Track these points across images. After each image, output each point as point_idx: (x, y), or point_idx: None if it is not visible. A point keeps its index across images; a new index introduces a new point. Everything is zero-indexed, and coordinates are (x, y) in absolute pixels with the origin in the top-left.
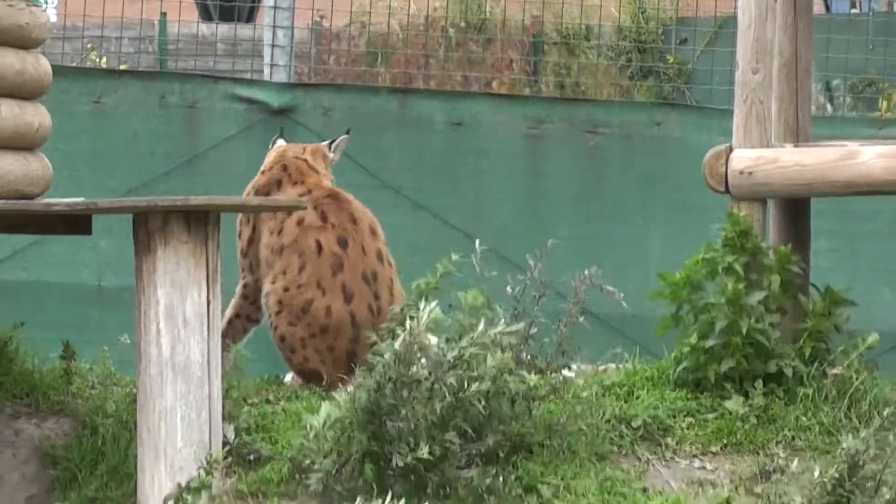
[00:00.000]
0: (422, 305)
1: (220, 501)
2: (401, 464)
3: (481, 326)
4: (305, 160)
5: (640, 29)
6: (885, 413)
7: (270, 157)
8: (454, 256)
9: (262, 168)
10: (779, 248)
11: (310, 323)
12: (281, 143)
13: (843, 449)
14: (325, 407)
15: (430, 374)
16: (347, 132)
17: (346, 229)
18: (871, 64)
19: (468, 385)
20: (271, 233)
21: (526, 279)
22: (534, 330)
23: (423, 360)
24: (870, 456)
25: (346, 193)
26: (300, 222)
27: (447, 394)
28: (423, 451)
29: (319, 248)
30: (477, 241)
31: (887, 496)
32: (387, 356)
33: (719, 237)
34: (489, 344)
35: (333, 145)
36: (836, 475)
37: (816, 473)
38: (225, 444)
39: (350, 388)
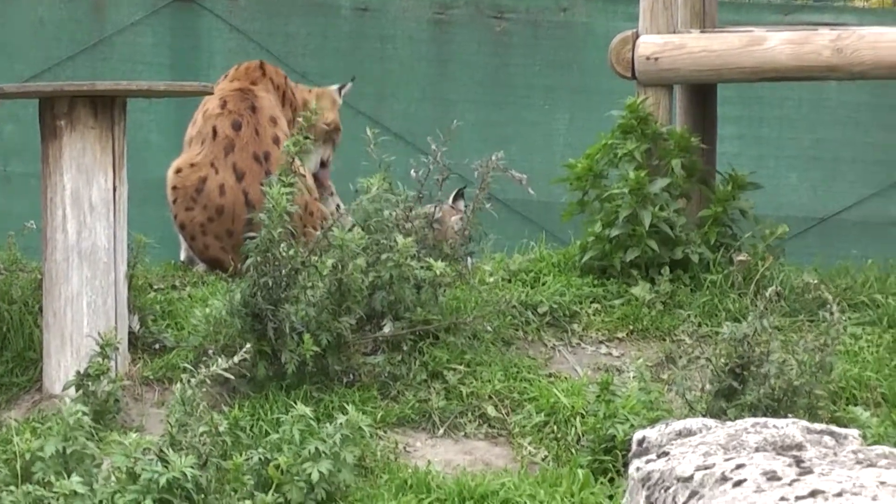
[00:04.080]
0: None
1: (123, 387)
2: (288, 360)
3: (386, 212)
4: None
5: None
6: (767, 294)
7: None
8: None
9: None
10: (676, 131)
11: (206, 205)
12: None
13: (727, 335)
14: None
15: (303, 262)
16: (353, 79)
17: (243, 115)
18: None
19: (348, 268)
20: (193, 125)
21: (430, 163)
22: (438, 214)
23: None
24: (757, 341)
25: (261, 92)
26: (204, 112)
27: (330, 279)
28: (309, 345)
29: (215, 132)
30: (367, 129)
31: (774, 381)
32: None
33: (618, 124)
34: (392, 229)
35: (343, 91)
36: (724, 361)
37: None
38: (130, 333)
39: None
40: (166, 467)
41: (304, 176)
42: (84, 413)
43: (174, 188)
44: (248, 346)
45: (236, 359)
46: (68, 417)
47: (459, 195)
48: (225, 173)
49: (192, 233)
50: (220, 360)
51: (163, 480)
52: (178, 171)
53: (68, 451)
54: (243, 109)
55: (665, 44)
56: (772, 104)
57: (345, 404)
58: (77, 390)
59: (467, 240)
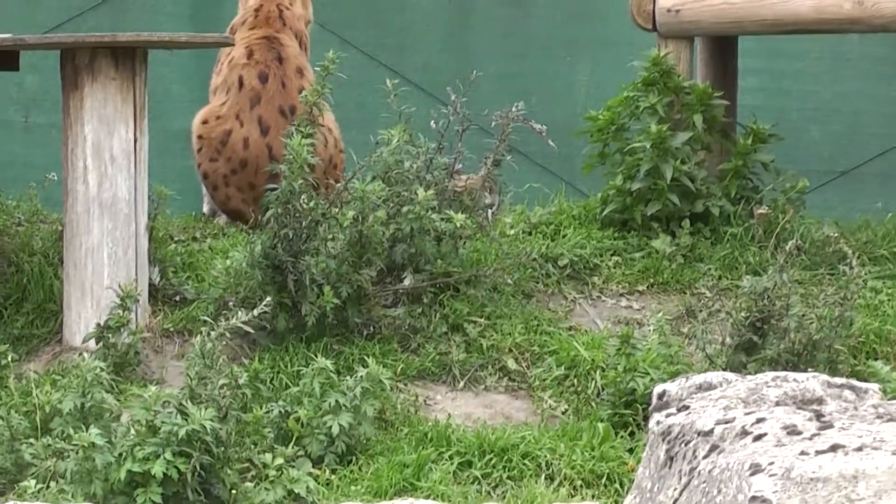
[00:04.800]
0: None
1: (143, 339)
2: (308, 313)
3: (406, 164)
4: (281, 7)
5: None
6: (787, 248)
7: None
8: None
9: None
10: (698, 85)
11: (230, 157)
12: None
13: (747, 288)
14: (221, 264)
15: (323, 214)
16: None
17: (269, 66)
18: None
19: (368, 220)
20: (217, 73)
21: (449, 113)
22: (459, 166)
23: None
24: (778, 294)
25: (287, 40)
26: (230, 61)
27: (350, 231)
28: (329, 297)
29: (241, 83)
30: (387, 80)
31: (794, 335)
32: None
33: (640, 77)
34: (413, 181)
35: None
36: (745, 315)
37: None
38: (150, 285)
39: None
40: (186, 420)
41: (329, 129)
42: (102, 369)
43: (199, 137)
44: (269, 298)
45: (256, 312)
46: (86, 373)
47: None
48: (250, 126)
49: (215, 183)
50: (240, 312)
51: (182, 433)
52: (205, 121)
53: (86, 406)
54: (270, 60)
55: None
56: (793, 57)
57: (365, 357)
58: (97, 342)
59: (488, 191)
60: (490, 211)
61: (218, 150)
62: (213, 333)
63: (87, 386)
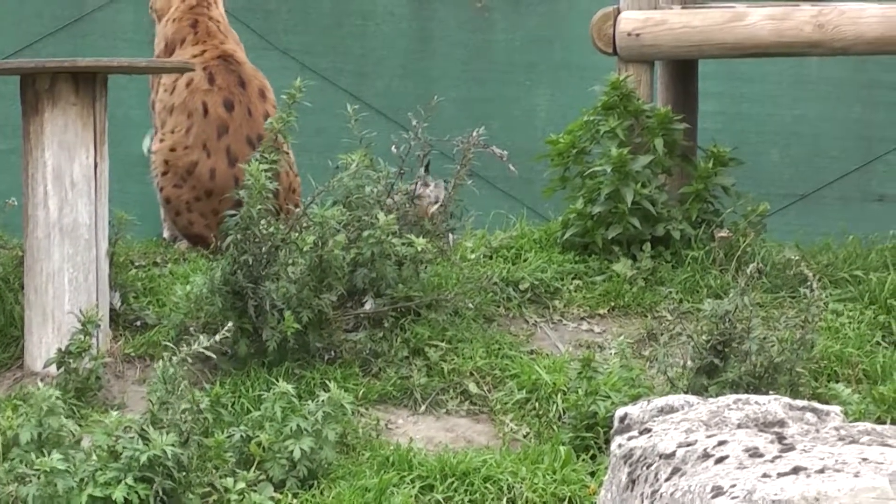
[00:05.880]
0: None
1: (104, 364)
2: (269, 338)
3: (367, 189)
4: (218, 21)
5: None
6: (748, 271)
7: (184, 2)
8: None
9: (172, 12)
10: (659, 109)
11: (195, 185)
12: None
13: (708, 311)
14: (182, 290)
15: (283, 239)
16: None
17: (234, 92)
18: None
19: (329, 245)
20: (165, 90)
21: (410, 138)
22: (420, 191)
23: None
24: (739, 317)
25: (240, 55)
26: (189, 83)
27: (311, 257)
28: (290, 322)
29: (206, 110)
30: (348, 105)
31: (755, 358)
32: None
33: (600, 101)
34: (373, 205)
35: None
36: (706, 338)
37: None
38: (112, 310)
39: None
40: (147, 445)
41: (288, 153)
42: (57, 397)
43: (166, 162)
44: (230, 324)
45: (217, 337)
46: (41, 402)
47: (426, 169)
48: (217, 157)
49: (178, 208)
50: (201, 337)
51: (144, 458)
52: (173, 149)
53: (44, 436)
54: (233, 85)
55: (646, 20)
56: (752, 80)
57: (326, 381)
58: (58, 367)
59: (448, 216)
60: (451, 235)
61: (183, 178)
62: (174, 359)
63: (43, 415)
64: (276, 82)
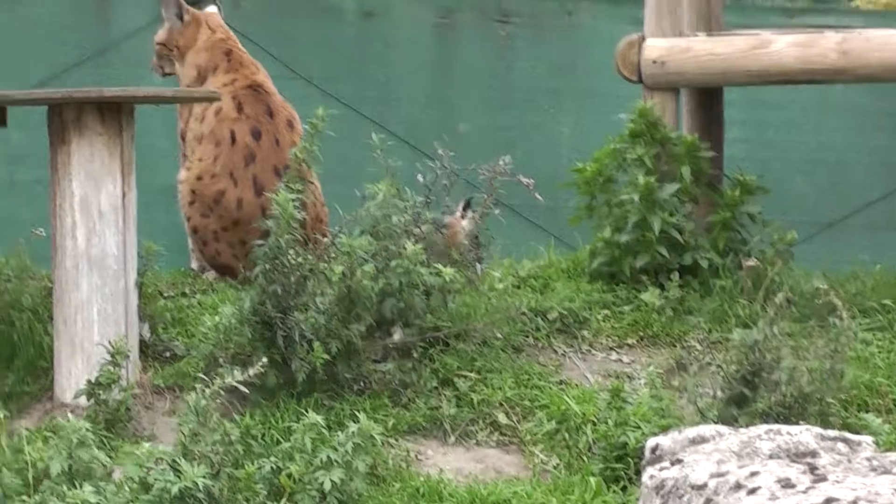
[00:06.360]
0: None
1: (133, 396)
2: (298, 369)
3: (394, 218)
4: (245, 52)
5: None
6: (777, 300)
7: (215, 34)
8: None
9: (201, 43)
10: (686, 137)
11: (222, 215)
12: (213, 9)
13: (737, 341)
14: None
15: (311, 269)
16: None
17: (261, 121)
18: None
19: (357, 275)
20: (196, 119)
21: (437, 168)
22: (452, 220)
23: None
24: (768, 347)
25: (269, 86)
26: (218, 112)
27: (339, 287)
28: (319, 353)
29: (234, 138)
30: (374, 134)
31: (785, 388)
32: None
33: (627, 128)
34: (401, 235)
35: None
36: (735, 368)
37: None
38: (140, 341)
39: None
40: (178, 477)
41: (314, 183)
42: (88, 429)
43: (193, 192)
44: (264, 359)
45: (251, 371)
46: (72, 434)
47: (468, 205)
48: (244, 186)
49: (205, 238)
50: (231, 370)
51: (175, 490)
52: (199, 178)
53: (74, 468)
54: (261, 114)
55: (671, 47)
56: (777, 107)
57: (356, 412)
58: (88, 399)
59: (477, 245)
60: (479, 265)
61: (210, 208)
62: (207, 391)
63: (74, 447)
64: (299, 110)
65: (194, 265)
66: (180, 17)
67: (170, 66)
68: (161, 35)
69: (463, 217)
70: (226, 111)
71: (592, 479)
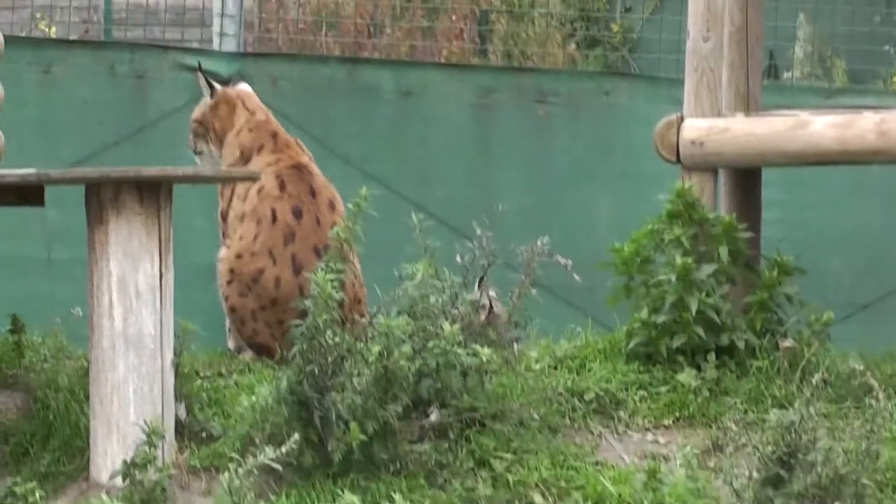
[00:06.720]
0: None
1: (170, 476)
2: (334, 449)
3: (432, 298)
4: (296, 140)
5: None
6: (813, 381)
7: (254, 115)
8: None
9: (243, 124)
10: (724, 218)
11: (260, 294)
12: (245, 87)
13: (773, 422)
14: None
15: (349, 349)
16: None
17: (303, 200)
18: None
19: (394, 355)
20: (239, 198)
21: (475, 248)
22: (484, 300)
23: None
24: (804, 428)
25: (313, 167)
26: (260, 190)
27: (376, 367)
28: (355, 433)
29: (274, 216)
30: (413, 214)
31: (820, 469)
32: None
33: (665, 209)
34: (438, 315)
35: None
36: (771, 449)
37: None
38: (177, 421)
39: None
40: None
41: (353, 263)
42: None
43: (231, 271)
44: (296, 436)
45: (284, 449)
46: None
47: (482, 282)
48: (282, 265)
49: (243, 317)
50: (266, 449)
51: None
52: (239, 256)
53: None
54: (303, 193)
55: (710, 127)
56: (814, 188)
57: (392, 493)
58: (124, 479)
59: (513, 325)
60: (515, 345)
61: (249, 287)
62: (240, 471)
63: None
64: (336, 190)
65: (231, 345)
66: (211, 95)
67: (203, 144)
68: (197, 113)
69: (480, 294)
70: (268, 189)
71: None
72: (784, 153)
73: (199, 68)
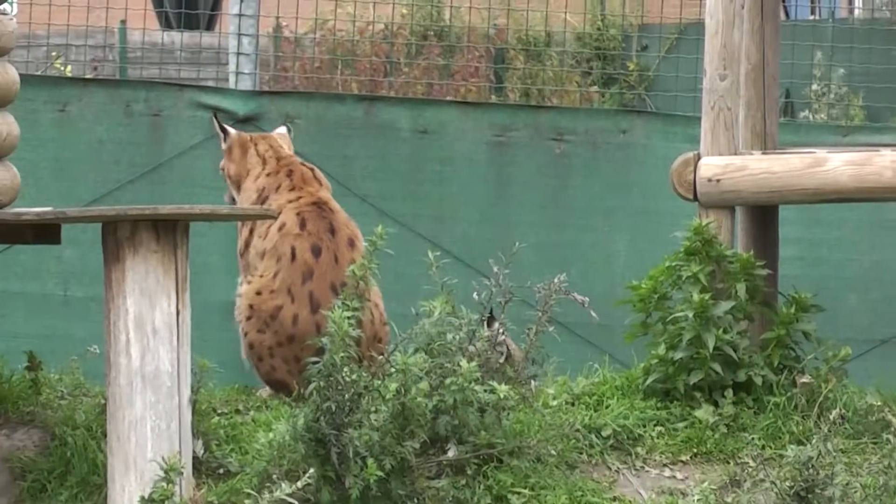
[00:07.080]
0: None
1: None
2: (352, 485)
3: (449, 336)
4: (312, 168)
5: (601, 36)
6: (831, 417)
7: (272, 159)
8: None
9: (258, 171)
10: (741, 255)
11: (277, 331)
12: (282, 130)
13: (791, 458)
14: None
15: (366, 386)
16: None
17: (322, 238)
18: (833, 70)
19: (411, 392)
20: (260, 236)
21: (492, 285)
22: (501, 337)
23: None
24: (822, 463)
25: (334, 204)
26: (281, 228)
27: (393, 404)
28: (373, 470)
29: (293, 254)
30: (429, 252)
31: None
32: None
33: (682, 246)
34: (455, 352)
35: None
36: (789, 484)
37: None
38: (194, 457)
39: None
40: None
41: (375, 304)
42: None
43: (250, 307)
44: (312, 471)
45: (300, 484)
46: None
47: (491, 318)
48: (300, 303)
49: (261, 354)
50: (283, 485)
51: None
52: (259, 293)
53: None
54: (323, 231)
55: (727, 165)
56: (831, 225)
57: None
58: None
59: (530, 362)
60: (533, 382)
61: (266, 323)
62: None
63: None
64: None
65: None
66: (224, 139)
67: (228, 191)
68: (221, 162)
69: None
70: (289, 227)
71: None
72: (801, 191)
73: (215, 116)
